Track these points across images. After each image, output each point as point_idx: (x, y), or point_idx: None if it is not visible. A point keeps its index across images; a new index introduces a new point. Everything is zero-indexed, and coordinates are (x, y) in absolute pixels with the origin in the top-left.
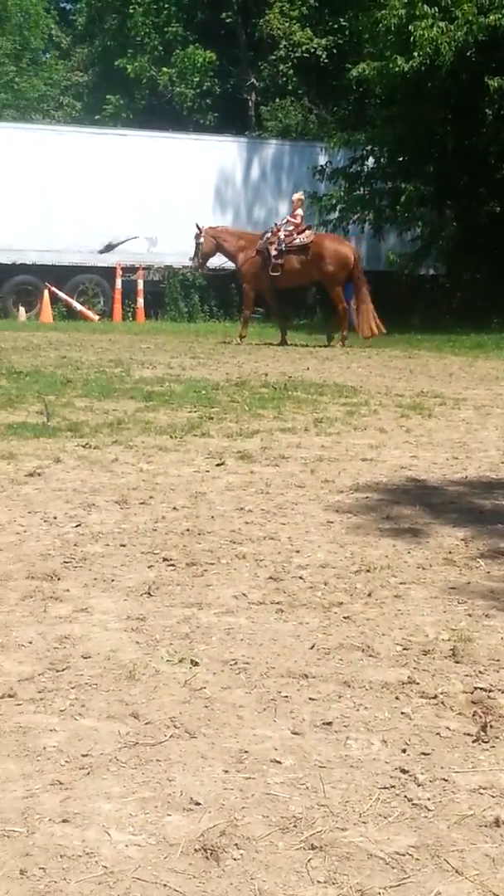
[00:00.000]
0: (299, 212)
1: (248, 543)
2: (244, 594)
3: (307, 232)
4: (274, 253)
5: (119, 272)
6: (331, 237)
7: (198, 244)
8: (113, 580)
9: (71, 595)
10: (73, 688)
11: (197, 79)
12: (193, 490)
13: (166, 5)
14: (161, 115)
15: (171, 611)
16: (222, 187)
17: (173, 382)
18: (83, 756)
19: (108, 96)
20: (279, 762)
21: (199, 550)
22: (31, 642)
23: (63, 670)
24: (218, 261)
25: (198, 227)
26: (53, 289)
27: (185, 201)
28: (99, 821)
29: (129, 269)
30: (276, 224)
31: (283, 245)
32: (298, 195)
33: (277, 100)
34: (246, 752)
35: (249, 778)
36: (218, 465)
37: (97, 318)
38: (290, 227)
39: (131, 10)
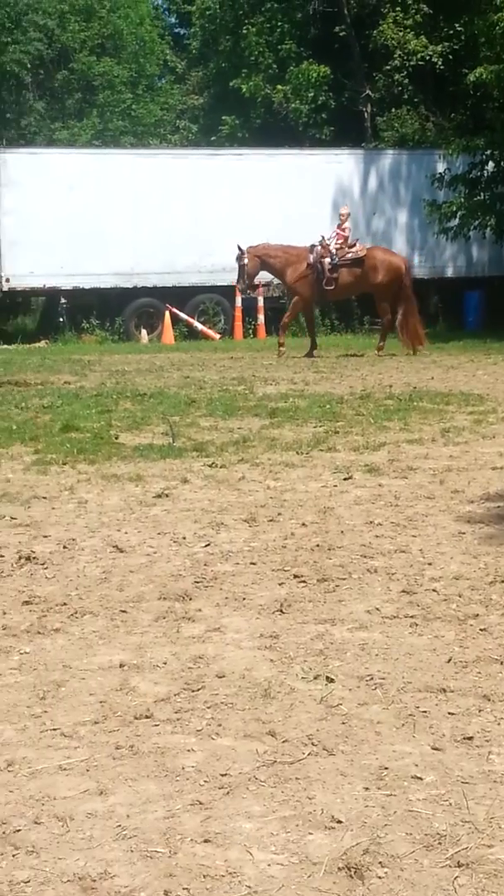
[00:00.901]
0: (347, 224)
1: (380, 557)
2: (377, 608)
3: (358, 245)
4: (329, 266)
5: (239, 290)
6: (382, 249)
7: (242, 265)
8: (244, 598)
9: (203, 615)
10: (209, 707)
11: (311, 94)
12: (322, 505)
13: (279, 24)
14: (276, 132)
15: (304, 627)
16: (340, 200)
17: (297, 398)
18: (222, 775)
19: (223, 117)
20: (420, 778)
21: (330, 566)
22: (165, 663)
23: (198, 690)
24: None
25: (239, 248)
26: (174, 310)
27: (304, 216)
28: (240, 840)
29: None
30: (322, 237)
31: (337, 258)
32: (345, 209)
33: (393, 109)
34: (386, 768)
35: (391, 795)
36: (345, 479)
37: (218, 336)
38: (340, 241)
39: (245, 31)
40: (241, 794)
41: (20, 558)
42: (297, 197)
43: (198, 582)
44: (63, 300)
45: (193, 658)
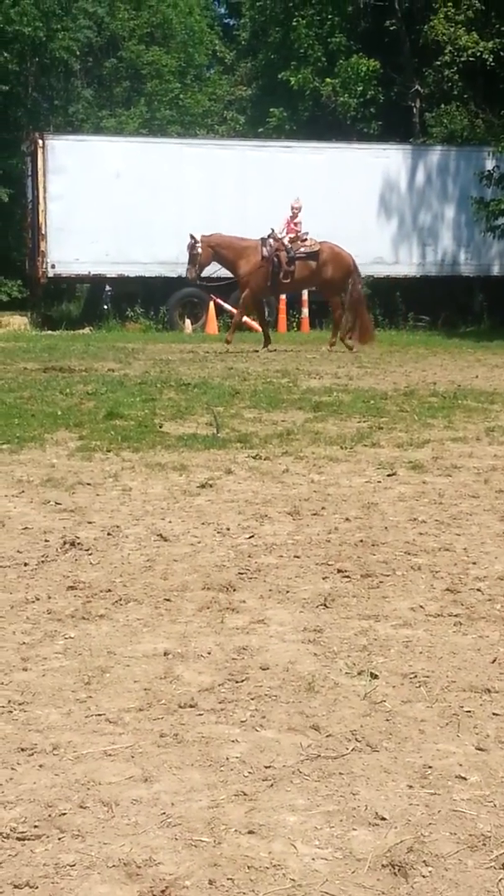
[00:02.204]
0: (299, 218)
1: (423, 555)
2: (421, 606)
3: (310, 239)
4: (286, 259)
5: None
6: (334, 245)
7: (194, 254)
8: (288, 591)
9: (247, 606)
10: (252, 699)
11: (360, 88)
12: (365, 501)
13: (329, 16)
14: (324, 125)
15: (348, 623)
16: (387, 195)
17: (341, 392)
18: (266, 767)
19: (271, 109)
20: (464, 778)
21: (374, 562)
22: (209, 653)
23: (242, 681)
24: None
25: (192, 236)
26: (219, 300)
27: (350, 211)
28: (284, 833)
29: None
30: (272, 230)
31: (293, 252)
32: (297, 202)
33: (442, 105)
34: (430, 767)
35: (435, 794)
36: (389, 475)
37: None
38: (292, 235)
39: (294, 23)
40: (285, 786)
41: (65, 543)
42: (344, 191)
43: (242, 573)
44: (108, 288)
45: (237, 649)
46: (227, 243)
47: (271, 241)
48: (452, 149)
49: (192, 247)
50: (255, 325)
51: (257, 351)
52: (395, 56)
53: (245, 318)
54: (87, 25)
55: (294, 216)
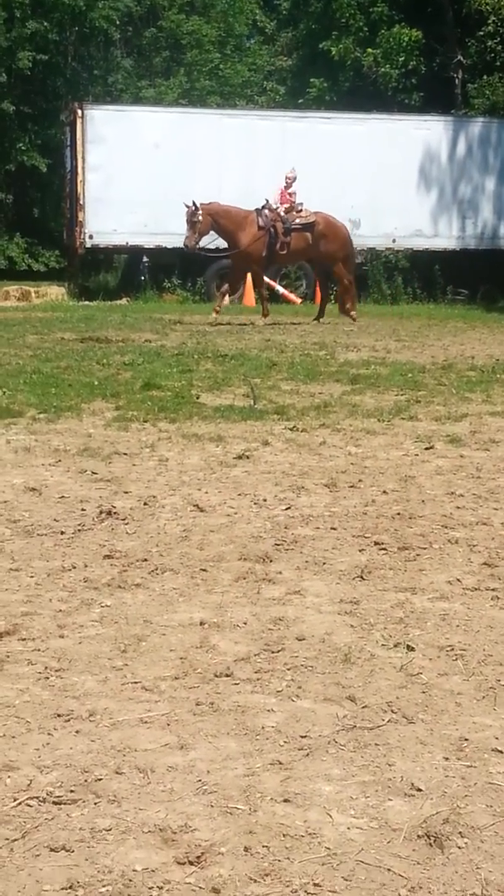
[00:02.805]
0: (293, 189)
1: (461, 528)
2: (458, 580)
3: (304, 210)
4: (282, 231)
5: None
6: (329, 215)
7: (195, 221)
8: (324, 563)
9: (283, 577)
10: (288, 669)
11: (402, 58)
12: (403, 474)
13: None
14: (365, 96)
15: (385, 595)
16: (427, 167)
17: (378, 365)
18: (302, 737)
19: (311, 80)
20: (501, 752)
21: (411, 535)
22: (245, 623)
23: (278, 651)
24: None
25: (193, 203)
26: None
27: (390, 183)
28: (320, 802)
29: None
30: (267, 201)
31: (289, 223)
32: (292, 172)
33: (485, 76)
34: (466, 739)
35: (471, 766)
36: (427, 448)
37: (300, 301)
38: (286, 205)
39: None
40: (320, 756)
41: (101, 513)
42: (384, 162)
43: (278, 544)
44: (145, 258)
45: (273, 619)
46: (225, 212)
47: (266, 211)
48: (494, 120)
49: (192, 214)
50: (293, 297)
51: (254, 323)
52: (438, 26)
53: (283, 291)
54: None
55: (288, 186)
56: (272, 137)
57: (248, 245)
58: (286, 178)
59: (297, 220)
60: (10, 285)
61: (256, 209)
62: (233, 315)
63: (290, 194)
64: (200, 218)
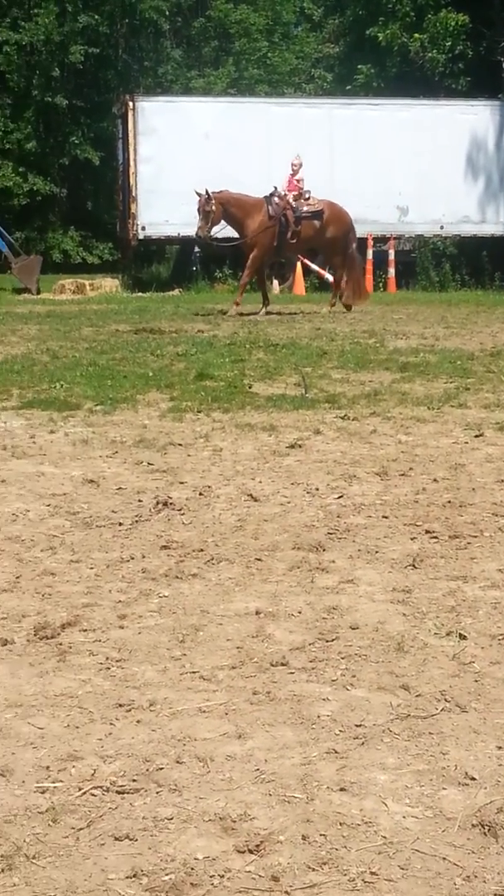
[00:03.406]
0: (300, 175)
1: None
2: None
3: (312, 198)
4: (293, 219)
5: (370, 243)
6: (333, 203)
7: (208, 211)
8: (377, 552)
9: (337, 566)
10: (343, 658)
11: (449, 43)
12: (453, 461)
13: None
14: (412, 82)
15: (437, 583)
16: (474, 153)
17: (428, 353)
18: (357, 726)
19: (359, 66)
20: None
21: (462, 523)
22: (300, 612)
23: (332, 640)
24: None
25: (207, 193)
26: (306, 261)
27: (437, 169)
28: (375, 791)
29: (380, 240)
30: (275, 188)
31: (299, 211)
32: (297, 158)
33: None
34: None
35: None
36: (476, 436)
37: None
38: (295, 193)
39: None
40: (375, 745)
41: (157, 503)
42: (431, 148)
43: (331, 533)
44: (197, 249)
45: (327, 608)
46: (234, 200)
47: (276, 199)
48: None
49: (206, 202)
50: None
51: (256, 313)
52: (485, 10)
53: (332, 279)
54: None
55: (294, 173)
56: (320, 125)
57: (257, 233)
58: (292, 164)
59: (306, 209)
60: (66, 278)
61: (265, 197)
62: (283, 304)
63: (297, 181)
64: (213, 207)
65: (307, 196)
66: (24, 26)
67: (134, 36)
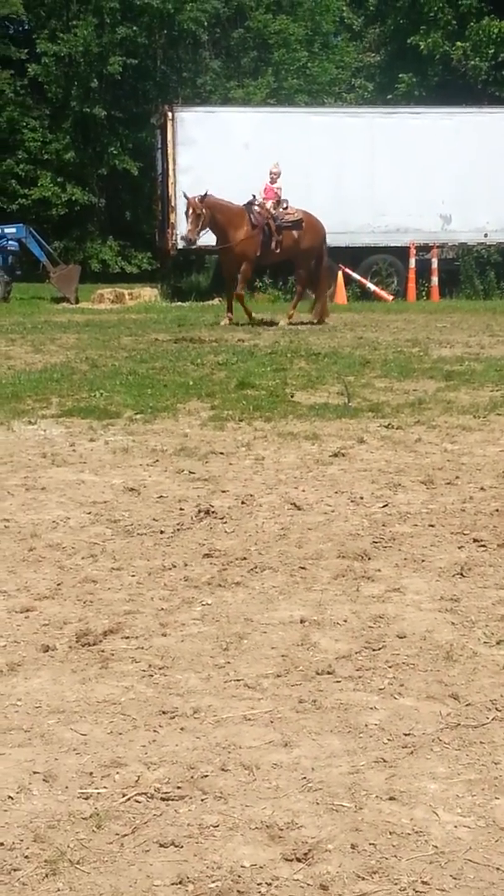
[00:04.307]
0: (278, 184)
1: None
2: None
3: (290, 206)
4: (275, 229)
5: (413, 251)
6: (309, 213)
7: (198, 214)
8: (423, 560)
9: (382, 575)
10: (390, 667)
11: (492, 51)
12: (500, 470)
13: None
14: (454, 90)
15: (485, 592)
16: None
17: (473, 361)
18: (405, 735)
19: (400, 75)
20: None
21: None
22: (346, 620)
23: (379, 649)
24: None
25: (200, 196)
26: (347, 270)
27: (480, 176)
28: (426, 800)
29: (423, 248)
30: (254, 196)
31: (280, 220)
32: (276, 166)
33: None
34: None
35: None
36: None
37: (391, 298)
38: (273, 201)
39: None
40: (425, 754)
41: (200, 512)
42: (474, 157)
43: (376, 542)
44: None
45: (373, 617)
46: (219, 207)
47: (256, 207)
48: None
49: (196, 207)
50: (385, 294)
51: (224, 323)
52: None
53: (374, 288)
54: None
55: (273, 181)
56: (360, 134)
57: (240, 242)
58: (270, 173)
59: (287, 218)
60: (105, 288)
61: (245, 205)
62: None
63: (276, 190)
64: (204, 211)
65: (285, 205)
66: (62, 38)
67: (172, 47)
